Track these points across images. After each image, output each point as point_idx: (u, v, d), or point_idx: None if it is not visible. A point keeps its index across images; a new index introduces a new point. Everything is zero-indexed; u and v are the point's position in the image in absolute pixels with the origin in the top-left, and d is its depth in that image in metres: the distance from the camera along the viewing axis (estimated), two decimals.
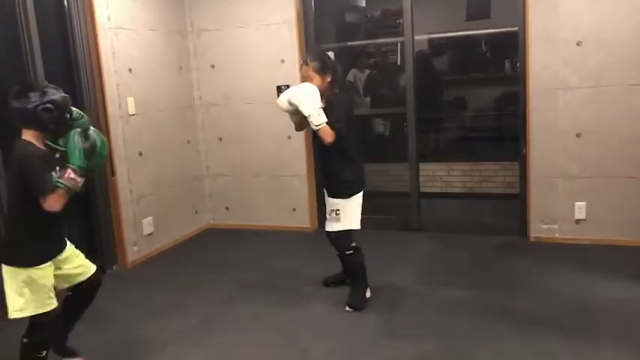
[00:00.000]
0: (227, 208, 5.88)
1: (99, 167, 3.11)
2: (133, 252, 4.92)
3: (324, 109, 3.47)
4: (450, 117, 7.68)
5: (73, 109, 2.80)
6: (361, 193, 3.75)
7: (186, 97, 5.67)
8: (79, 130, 2.74)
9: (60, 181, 2.61)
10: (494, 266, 4.44)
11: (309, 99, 3.44)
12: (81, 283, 3.01)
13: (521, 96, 4.81)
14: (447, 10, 7.50)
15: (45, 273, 2.79)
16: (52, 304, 2.82)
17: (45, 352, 2.88)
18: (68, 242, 2.99)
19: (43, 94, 2.66)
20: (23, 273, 2.73)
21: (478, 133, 7.44)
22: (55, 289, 2.86)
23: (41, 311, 2.76)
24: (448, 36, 7.61)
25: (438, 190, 6.59)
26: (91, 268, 3.06)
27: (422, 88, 5.33)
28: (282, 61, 5.39)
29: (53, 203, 2.60)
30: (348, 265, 3.89)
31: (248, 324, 3.69)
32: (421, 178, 5.53)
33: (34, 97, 2.65)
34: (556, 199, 4.77)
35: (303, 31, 5.40)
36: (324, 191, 3.84)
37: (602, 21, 4.42)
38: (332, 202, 3.71)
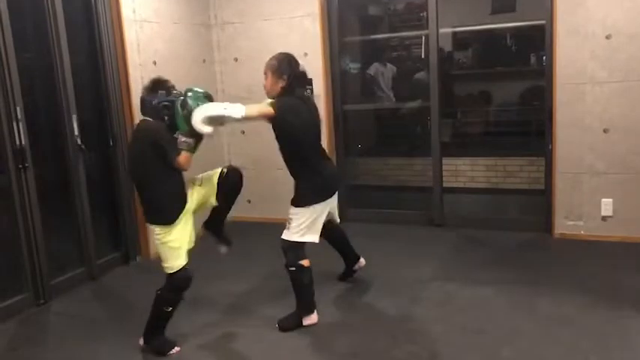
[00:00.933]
0: (249, 202, 5.89)
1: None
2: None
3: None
4: (474, 111, 7.60)
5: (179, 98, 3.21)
6: (321, 205, 3.49)
7: (209, 90, 5.65)
8: (180, 99, 3.18)
9: (178, 146, 3.12)
10: (518, 262, 4.39)
11: (212, 105, 3.18)
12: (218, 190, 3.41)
13: (548, 90, 4.74)
14: (471, 3, 7.40)
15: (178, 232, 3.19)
16: (183, 261, 3.22)
17: (171, 308, 3.24)
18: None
19: (168, 93, 3.23)
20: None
21: (503, 127, 7.36)
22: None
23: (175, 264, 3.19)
24: (473, 29, 7.52)
25: (461, 185, 6.54)
26: (214, 183, 3.42)
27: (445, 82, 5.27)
28: (305, 54, 5.36)
29: (184, 163, 3.14)
30: (291, 282, 3.52)
31: (273, 317, 3.67)
32: (444, 173, 5.48)
33: (160, 95, 3.21)
34: (582, 196, 4.69)
35: (327, 23, 5.39)
36: None
37: (631, 14, 4.33)
38: (289, 210, 3.51)
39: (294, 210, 3.49)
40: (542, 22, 4.73)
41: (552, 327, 3.33)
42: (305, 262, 3.48)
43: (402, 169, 6.76)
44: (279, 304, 3.71)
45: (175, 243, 3.19)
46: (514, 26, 7.20)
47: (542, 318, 3.45)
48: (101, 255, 4.61)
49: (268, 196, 5.84)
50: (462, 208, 5.89)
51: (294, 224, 3.47)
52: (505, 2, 7.15)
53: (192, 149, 3.18)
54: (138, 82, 4.72)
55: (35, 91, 4.24)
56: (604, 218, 4.66)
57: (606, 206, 4.63)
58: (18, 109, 3.83)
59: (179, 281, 3.21)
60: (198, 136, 3.15)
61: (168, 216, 3.18)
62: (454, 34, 7.54)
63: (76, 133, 4.31)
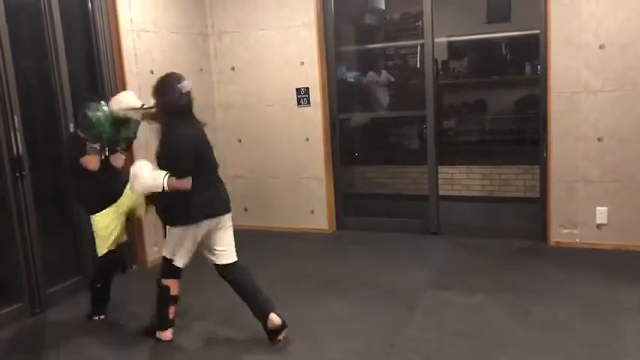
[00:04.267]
0: (245, 210, 5.90)
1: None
2: (153, 252, 4.96)
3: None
4: (469, 120, 7.64)
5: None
6: (197, 228, 3.28)
7: (206, 99, 5.70)
8: (83, 112, 3.60)
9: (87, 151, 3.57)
10: (514, 270, 4.41)
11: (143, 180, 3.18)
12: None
13: (542, 99, 4.77)
14: (467, 13, 7.46)
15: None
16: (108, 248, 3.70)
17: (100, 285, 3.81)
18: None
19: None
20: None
21: (498, 136, 7.40)
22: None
23: None
24: (468, 39, 7.58)
25: (457, 193, 6.56)
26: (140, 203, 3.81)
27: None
28: (302, 63, 5.41)
29: (86, 164, 3.56)
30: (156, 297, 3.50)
31: (259, 325, 3.68)
32: (440, 181, 5.51)
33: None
34: (577, 204, 4.72)
35: (323, 33, 5.42)
36: None
37: (625, 24, 4.37)
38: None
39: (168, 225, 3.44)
40: (537, 31, 4.77)
41: (547, 335, 3.34)
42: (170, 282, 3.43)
43: (398, 177, 6.78)
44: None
45: (101, 231, 3.66)
46: (509, 36, 7.26)
47: (537, 325, 3.47)
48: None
49: (264, 204, 5.85)
50: (457, 216, 5.92)
51: (167, 240, 3.46)
52: (500, 12, 7.23)
53: (98, 152, 3.54)
54: (135, 90, 4.72)
55: (33, 100, 4.25)
56: (599, 226, 4.68)
57: (601, 214, 4.66)
58: (15, 118, 3.84)
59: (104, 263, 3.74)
60: (102, 142, 3.54)
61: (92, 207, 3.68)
62: (449, 43, 7.60)
63: None
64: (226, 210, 3.44)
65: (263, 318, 3.40)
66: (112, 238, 3.70)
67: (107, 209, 3.65)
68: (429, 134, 5.29)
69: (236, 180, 5.90)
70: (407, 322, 3.63)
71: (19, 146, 3.87)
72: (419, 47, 6.68)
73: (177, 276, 3.44)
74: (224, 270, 3.45)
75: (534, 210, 5.10)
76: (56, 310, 4.10)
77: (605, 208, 4.64)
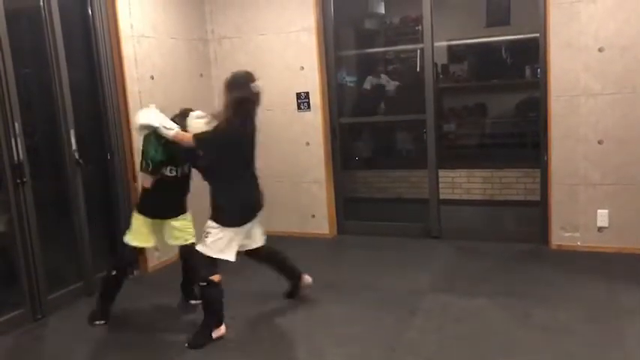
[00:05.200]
0: None
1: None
2: (154, 257, 4.97)
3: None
4: (469, 123, 7.64)
5: None
6: (240, 228, 3.57)
7: (207, 104, 5.69)
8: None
9: None
10: (515, 274, 4.40)
11: (153, 117, 3.56)
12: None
13: (542, 102, 4.78)
14: (466, 17, 7.47)
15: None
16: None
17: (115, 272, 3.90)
18: None
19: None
20: None
21: (498, 139, 7.40)
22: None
23: None
24: (468, 43, 7.59)
25: (457, 197, 6.56)
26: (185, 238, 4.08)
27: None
28: (302, 67, 5.42)
29: (141, 183, 3.90)
30: (201, 297, 3.64)
31: (261, 329, 3.71)
32: (441, 185, 5.51)
33: None
34: (578, 207, 4.72)
35: (323, 38, 5.43)
36: None
37: (623, 27, 4.38)
38: (207, 223, 3.54)
39: (208, 222, 3.53)
40: (536, 35, 4.78)
41: (548, 337, 3.33)
42: (213, 279, 3.48)
43: (399, 181, 6.78)
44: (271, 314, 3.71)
45: (132, 226, 3.88)
46: (509, 39, 7.26)
47: (539, 328, 3.46)
48: (99, 269, 4.58)
49: (265, 208, 5.83)
50: (458, 220, 5.91)
51: (208, 238, 3.49)
52: (500, 16, 7.24)
53: (148, 172, 3.68)
54: (135, 96, 4.76)
55: (33, 106, 4.26)
56: (600, 229, 4.68)
57: (602, 217, 4.65)
58: (16, 124, 3.84)
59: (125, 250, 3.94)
60: (154, 165, 3.64)
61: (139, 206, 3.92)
62: (449, 47, 7.60)
63: (74, 147, 4.32)
64: (260, 208, 3.72)
65: (297, 278, 4.05)
66: (138, 238, 3.87)
67: (143, 216, 3.82)
68: (430, 138, 5.29)
69: None
70: (408, 325, 3.62)
71: (19, 152, 3.87)
72: (419, 51, 6.69)
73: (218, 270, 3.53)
74: (256, 252, 3.86)
75: (535, 213, 5.10)
76: (57, 316, 4.10)
77: (606, 211, 4.63)
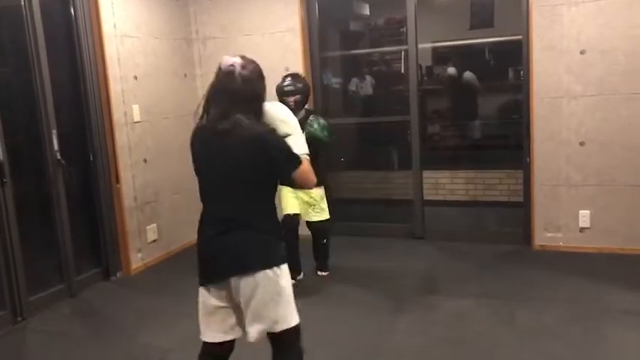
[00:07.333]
0: None
1: None
2: (137, 259, 4.93)
3: None
4: (453, 125, 7.68)
5: None
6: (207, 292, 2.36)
7: (190, 105, 5.66)
8: None
9: None
10: (498, 274, 4.43)
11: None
12: None
13: (525, 104, 4.82)
14: (450, 19, 7.51)
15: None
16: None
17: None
18: None
19: None
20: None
21: (482, 141, 7.45)
22: None
23: None
24: (452, 44, 7.63)
25: (441, 198, 6.59)
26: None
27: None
28: (287, 69, 5.39)
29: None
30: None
31: None
32: (425, 186, 5.53)
33: None
34: (560, 208, 4.76)
35: (308, 39, 5.42)
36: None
37: (604, 30, 4.43)
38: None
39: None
40: (519, 37, 4.82)
41: (532, 338, 3.36)
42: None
43: (383, 182, 6.79)
44: None
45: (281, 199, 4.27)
46: (492, 41, 7.32)
47: (523, 329, 3.48)
48: (81, 271, 4.56)
49: None
50: (442, 221, 5.94)
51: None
52: (483, 18, 7.29)
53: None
54: (118, 96, 4.72)
55: (14, 106, 4.20)
56: (582, 230, 4.73)
57: (584, 218, 4.70)
58: None
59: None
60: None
61: None
62: (434, 49, 7.64)
63: (56, 147, 4.27)
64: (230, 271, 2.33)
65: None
66: (287, 208, 4.28)
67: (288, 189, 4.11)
68: (414, 139, 5.30)
69: None
70: (393, 327, 3.63)
71: (0, 153, 3.82)
72: (403, 53, 6.72)
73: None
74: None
75: (518, 214, 5.14)
76: (38, 318, 4.05)
77: (588, 212, 4.68)
